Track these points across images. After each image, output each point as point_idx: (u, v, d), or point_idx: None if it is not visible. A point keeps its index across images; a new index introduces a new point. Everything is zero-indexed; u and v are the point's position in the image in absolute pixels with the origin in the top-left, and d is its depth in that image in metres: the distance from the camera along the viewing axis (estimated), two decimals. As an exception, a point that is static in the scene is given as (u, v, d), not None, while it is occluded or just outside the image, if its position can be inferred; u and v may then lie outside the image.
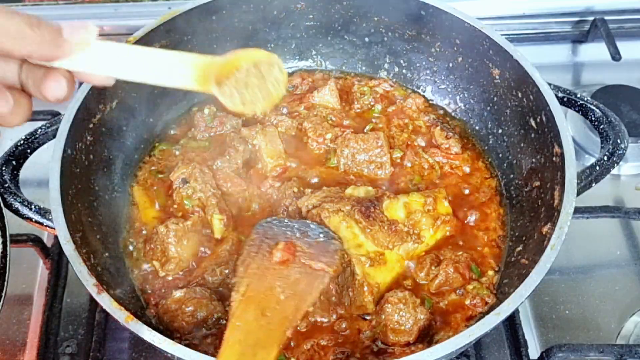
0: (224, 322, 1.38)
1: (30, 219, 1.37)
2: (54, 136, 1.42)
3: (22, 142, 1.47)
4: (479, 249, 1.52)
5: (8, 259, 1.34)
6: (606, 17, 2.14)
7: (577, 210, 1.41)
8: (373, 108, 1.79)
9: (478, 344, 1.50)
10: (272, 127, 1.69)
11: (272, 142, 1.65)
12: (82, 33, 0.93)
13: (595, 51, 2.15)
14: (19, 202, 1.38)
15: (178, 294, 1.39)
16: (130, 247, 1.52)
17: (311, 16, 1.82)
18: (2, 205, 1.39)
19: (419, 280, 1.45)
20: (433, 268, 1.45)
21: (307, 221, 1.42)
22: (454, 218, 1.53)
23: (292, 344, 1.36)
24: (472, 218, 1.56)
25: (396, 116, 1.77)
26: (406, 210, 1.48)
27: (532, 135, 1.54)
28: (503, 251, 1.52)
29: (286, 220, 1.40)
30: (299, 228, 1.37)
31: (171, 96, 1.77)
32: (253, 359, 1.10)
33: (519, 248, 1.46)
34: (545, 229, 1.36)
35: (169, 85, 1.01)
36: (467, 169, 1.67)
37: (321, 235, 1.36)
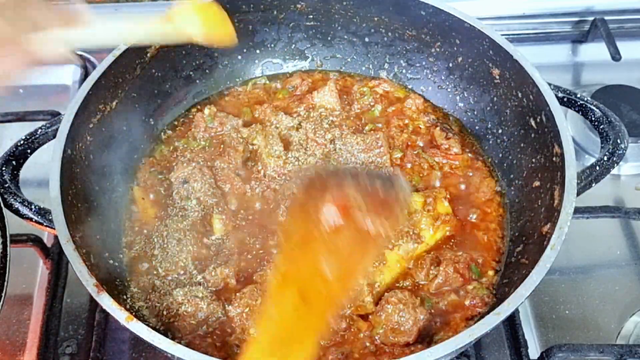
0: (224, 319, 1.38)
1: (30, 219, 1.37)
2: (54, 136, 1.42)
3: (22, 142, 1.47)
4: (479, 249, 1.52)
5: (8, 259, 1.34)
6: (606, 17, 2.14)
7: (577, 210, 1.41)
8: (373, 108, 1.79)
9: (478, 344, 1.50)
10: (272, 127, 1.69)
11: (272, 142, 1.65)
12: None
13: (595, 51, 2.15)
14: (19, 202, 1.38)
15: (178, 293, 1.40)
16: (130, 247, 1.52)
17: (311, 16, 1.82)
18: (2, 205, 1.39)
19: (418, 280, 1.45)
20: (433, 268, 1.45)
21: (365, 168, 1.13)
22: (453, 218, 1.53)
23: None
24: (472, 218, 1.57)
25: (396, 116, 1.77)
26: (406, 210, 1.48)
27: (532, 135, 1.54)
28: (503, 251, 1.52)
29: (339, 170, 1.12)
30: (353, 178, 1.05)
31: (171, 96, 1.77)
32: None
33: (519, 248, 1.46)
34: (545, 229, 1.36)
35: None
36: (467, 169, 1.67)
37: (380, 183, 1.03)
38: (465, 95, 1.77)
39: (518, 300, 1.19)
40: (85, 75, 2.03)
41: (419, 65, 1.83)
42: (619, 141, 1.46)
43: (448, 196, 1.56)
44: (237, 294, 1.40)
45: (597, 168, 1.43)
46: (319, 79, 1.88)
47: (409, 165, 1.65)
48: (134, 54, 1.60)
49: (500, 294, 1.41)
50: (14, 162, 1.45)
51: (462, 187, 1.63)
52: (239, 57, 1.86)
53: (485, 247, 1.52)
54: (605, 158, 1.44)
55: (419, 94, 1.83)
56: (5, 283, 1.30)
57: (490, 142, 1.70)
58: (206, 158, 1.66)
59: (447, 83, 1.80)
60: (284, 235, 1.04)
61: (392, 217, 1.01)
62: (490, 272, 1.48)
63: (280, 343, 0.91)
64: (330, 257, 0.97)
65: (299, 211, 1.03)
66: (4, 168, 1.43)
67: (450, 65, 1.76)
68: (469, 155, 1.69)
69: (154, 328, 1.17)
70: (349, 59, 1.90)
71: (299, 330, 0.92)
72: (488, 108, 1.71)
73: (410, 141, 1.71)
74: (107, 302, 1.20)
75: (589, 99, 1.54)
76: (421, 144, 1.71)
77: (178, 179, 1.58)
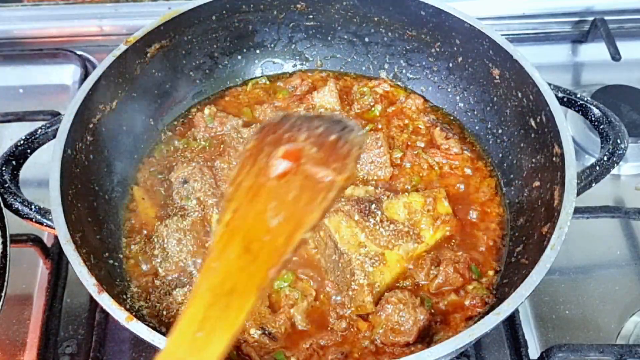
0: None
1: (30, 219, 1.38)
2: (54, 136, 1.42)
3: (22, 142, 1.47)
4: (479, 249, 1.52)
5: (8, 259, 1.34)
6: (606, 17, 2.14)
7: (577, 210, 1.41)
8: (373, 108, 1.79)
9: (478, 344, 1.50)
10: (272, 127, 1.69)
11: (272, 142, 1.64)
12: None
13: (595, 51, 2.15)
14: (19, 202, 1.38)
15: (178, 293, 1.40)
16: (130, 247, 1.52)
17: (311, 16, 1.82)
18: (2, 205, 1.39)
19: (418, 280, 1.45)
20: (433, 268, 1.45)
21: (321, 113, 1.09)
22: (453, 218, 1.53)
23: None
24: (472, 218, 1.57)
25: (396, 117, 1.77)
26: (406, 210, 1.48)
27: (532, 135, 1.54)
28: (503, 251, 1.52)
29: (294, 117, 1.03)
30: (308, 125, 1.00)
31: (171, 97, 1.77)
32: (225, 311, 0.87)
33: (519, 248, 1.46)
34: (545, 229, 1.36)
35: None
36: (467, 169, 1.66)
37: (336, 130, 0.99)
38: (465, 95, 1.77)
39: (518, 300, 1.19)
40: (85, 75, 2.03)
41: (419, 65, 1.83)
42: (619, 141, 1.46)
43: (448, 197, 1.56)
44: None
45: (597, 168, 1.43)
46: (319, 79, 1.88)
47: (408, 165, 1.65)
48: (134, 54, 1.60)
49: (500, 294, 1.41)
50: (14, 162, 1.45)
51: (462, 187, 1.63)
52: (239, 57, 1.86)
53: (485, 247, 1.52)
54: (605, 158, 1.44)
55: (419, 94, 1.83)
56: (5, 283, 1.30)
57: (490, 142, 1.70)
58: (206, 158, 1.66)
59: (447, 83, 1.80)
60: (232, 185, 0.99)
61: (343, 164, 0.97)
62: (490, 272, 1.48)
63: (222, 293, 0.89)
64: (276, 206, 0.94)
65: (249, 159, 0.99)
66: (4, 168, 1.43)
67: (450, 65, 1.76)
68: (469, 155, 1.69)
69: (154, 328, 1.17)
70: (349, 59, 1.90)
71: (240, 281, 0.90)
72: (488, 108, 1.71)
73: (410, 141, 1.71)
74: (107, 302, 1.20)
75: (589, 99, 1.54)
76: (421, 144, 1.71)
77: (178, 179, 1.58)
